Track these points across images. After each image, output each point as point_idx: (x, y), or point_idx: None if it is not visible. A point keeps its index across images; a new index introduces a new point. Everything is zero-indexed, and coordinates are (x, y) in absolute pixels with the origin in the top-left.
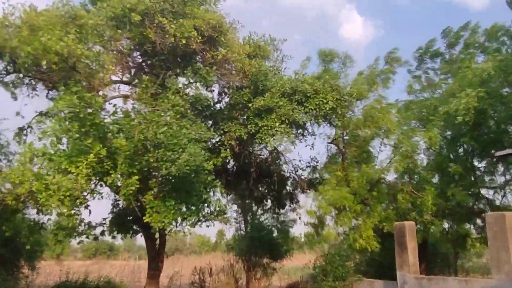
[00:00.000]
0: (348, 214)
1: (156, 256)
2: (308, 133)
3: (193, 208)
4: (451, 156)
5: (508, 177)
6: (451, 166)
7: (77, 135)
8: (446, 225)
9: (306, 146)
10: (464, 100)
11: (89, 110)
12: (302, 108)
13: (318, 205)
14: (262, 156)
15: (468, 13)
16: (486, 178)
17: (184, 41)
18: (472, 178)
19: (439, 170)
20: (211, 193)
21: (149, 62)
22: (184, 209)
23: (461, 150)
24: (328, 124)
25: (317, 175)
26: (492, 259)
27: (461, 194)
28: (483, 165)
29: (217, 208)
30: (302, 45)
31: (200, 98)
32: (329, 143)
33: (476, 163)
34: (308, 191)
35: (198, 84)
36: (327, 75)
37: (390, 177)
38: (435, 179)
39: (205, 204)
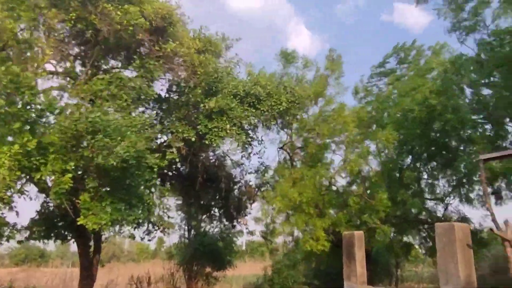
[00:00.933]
0: (302, 216)
1: (90, 263)
2: (257, 140)
3: (134, 208)
4: (400, 162)
5: (451, 187)
6: (399, 172)
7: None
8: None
9: (254, 154)
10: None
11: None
12: (254, 110)
13: (273, 202)
14: (210, 160)
15: (408, 34)
16: (429, 188)
17: (131, 28)
18: (420, 186)
19: (388, 176)
20: (154, 195)
21: (89, 51)
22: (123, 208)
23: (409, 156)
24: (279, 128)
25: (267, 179)
26: (441, 271)
27: (413, 202)
28: (425, 176)
29: (161, 213)
30: (252, 55)
31: (144, 90)
32: (280, 148)
33: (424, 172)
34: (256, 197)
35: (144, 78)
36: (284, 75)
37: (343, 181)
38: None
39: (147, 208)
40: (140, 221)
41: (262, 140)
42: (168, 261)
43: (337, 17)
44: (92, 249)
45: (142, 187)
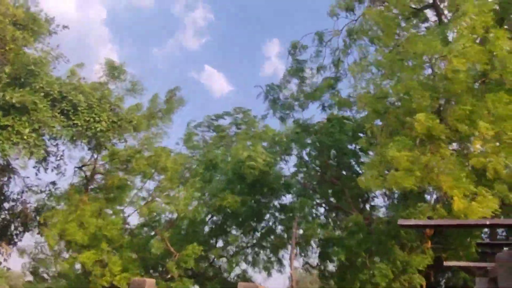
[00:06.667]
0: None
1: None
2: (56, 156)
3: None
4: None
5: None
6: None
7: None
8: None
9: (50, 170)
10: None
11: None
12: (66, 120)
13: (46, 234)
14: None
15: (210, 95)
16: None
17: None
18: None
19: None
20: None
21: None
22: None
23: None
24: (88, 147)
25: (52, 203)
26: None
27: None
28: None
29: None
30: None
31: None
32: (79, 168)
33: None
34: (33, 223)
35: None
36: (107, 89)
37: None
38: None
39: None
40: None
41: (62, 156)
42: None
43: (152, 60)
44: None
45: None
